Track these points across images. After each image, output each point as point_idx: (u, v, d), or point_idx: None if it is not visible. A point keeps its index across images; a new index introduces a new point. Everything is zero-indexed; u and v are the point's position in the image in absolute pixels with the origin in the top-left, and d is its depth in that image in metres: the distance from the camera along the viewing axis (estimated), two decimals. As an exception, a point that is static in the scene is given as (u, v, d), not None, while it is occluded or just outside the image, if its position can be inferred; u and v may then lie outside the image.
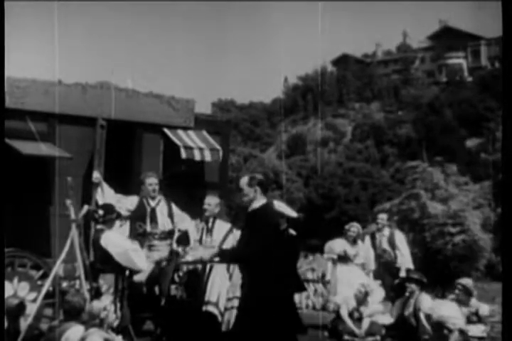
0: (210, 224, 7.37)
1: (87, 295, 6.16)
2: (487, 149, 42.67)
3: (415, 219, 23.00)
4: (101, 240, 6.45)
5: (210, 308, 7.04)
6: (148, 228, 7.37)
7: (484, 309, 8.30)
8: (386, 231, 9.50)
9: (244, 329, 5.22)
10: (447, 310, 7.64)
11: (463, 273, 18.97)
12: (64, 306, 5.72)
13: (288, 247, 7.09)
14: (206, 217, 7.36)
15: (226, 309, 7.09)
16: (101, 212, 6.62)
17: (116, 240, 6.46)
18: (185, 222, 7.59)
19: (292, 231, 7.20)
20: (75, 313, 5.62)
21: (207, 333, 6.93)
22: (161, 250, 7.25)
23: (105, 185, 7.70)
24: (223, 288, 7.12)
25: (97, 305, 5.62)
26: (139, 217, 7.39)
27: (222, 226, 7.40)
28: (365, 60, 72.32)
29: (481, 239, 22.11)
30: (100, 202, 7.48)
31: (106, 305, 5.65)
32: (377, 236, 9.56)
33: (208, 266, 7.11)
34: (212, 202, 7.36)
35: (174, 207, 7.62)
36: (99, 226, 6.61)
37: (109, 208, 6.75)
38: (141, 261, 6.47)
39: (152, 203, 7.48)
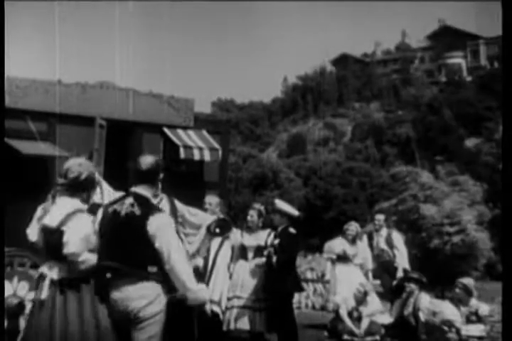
0: (210, 223, 7.35)
1: None
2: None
3: (412, 220, 23.02)
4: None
5: (213, 307, 7.03)
6: (148, 226, 7.31)
7: (484, 309, 8.30)
8: (383, 232, 9.51)
9: None
10: (451, 312, 7.64)
11: (463, 272, 18.96)
12: None
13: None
14: (207, 216, 7.34)
15: (227, 308, 7.10)
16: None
17: None
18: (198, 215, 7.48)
19: (292, 230, 7.21)
20: None
21: (208, 332, 6.91)
22: None
23: (104, 184, 7.67)
24: (225, 287, 7.12)
25: None
26: (140, 216, 7.35)
27: (222, 226, 7.38)
28: (364, 59, 72.35)
29: (478, 239, 22.11)
30: (98, 202, 7.45)
31: None
32: (374, 236, 9.58)
33: (210, 265, 7.11)
34: (213, 202, 7.34)
35: (179, 204, 7.52)
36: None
37: None
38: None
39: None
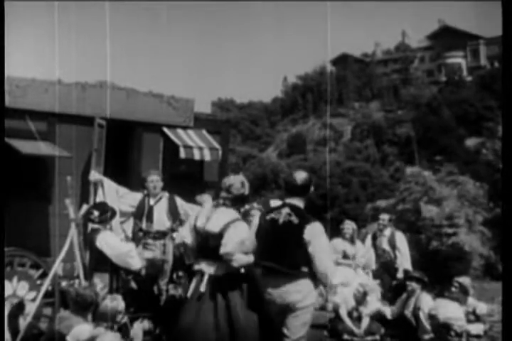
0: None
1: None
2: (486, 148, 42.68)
3: (411, 221, 22.99)
4: (96, 241, 6.44)
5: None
6: (144, 226, 7.31)
7: (482, 308, 8.29)
8: (387, 232, 9.48)
9: None
10: (453, 312, 7.62)
11: (461, 273, 18.95)
12: (75, 298, 5.68)
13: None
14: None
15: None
16: (96, 213, 6.60)
17: (110, 242, 6.45)
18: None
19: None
20: (85, 305, 5.59)
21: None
22: (154, 249, 7.20)
23: (106, 181, 7.66)
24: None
25: (111, 306, 5.58)
26: (138, 215, 7.37)
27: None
28: (364, 59, 72.33)
29: (466, 242, 22.07)
30: (101, 200, 7.45)
31: (122, 308, 5.63)
32: (378, 236, 9.56)
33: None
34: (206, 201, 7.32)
35: (182, 202, 7.47)
36: (94, 226, 6.60)
37: (102, 207, 6.73)
38: (135, 261, 6.50)
39: (152, 201, 7.43)
